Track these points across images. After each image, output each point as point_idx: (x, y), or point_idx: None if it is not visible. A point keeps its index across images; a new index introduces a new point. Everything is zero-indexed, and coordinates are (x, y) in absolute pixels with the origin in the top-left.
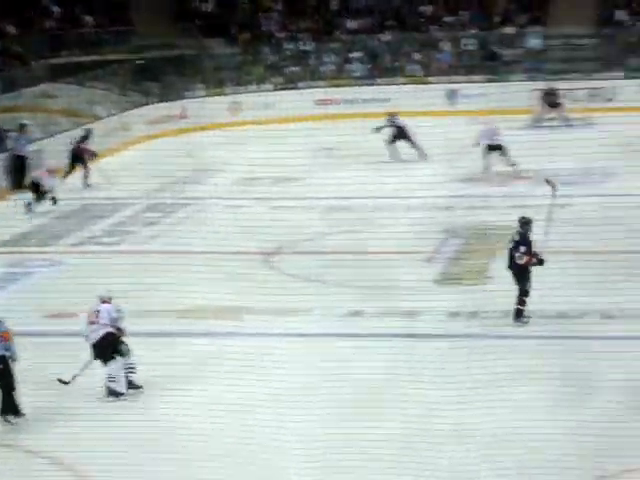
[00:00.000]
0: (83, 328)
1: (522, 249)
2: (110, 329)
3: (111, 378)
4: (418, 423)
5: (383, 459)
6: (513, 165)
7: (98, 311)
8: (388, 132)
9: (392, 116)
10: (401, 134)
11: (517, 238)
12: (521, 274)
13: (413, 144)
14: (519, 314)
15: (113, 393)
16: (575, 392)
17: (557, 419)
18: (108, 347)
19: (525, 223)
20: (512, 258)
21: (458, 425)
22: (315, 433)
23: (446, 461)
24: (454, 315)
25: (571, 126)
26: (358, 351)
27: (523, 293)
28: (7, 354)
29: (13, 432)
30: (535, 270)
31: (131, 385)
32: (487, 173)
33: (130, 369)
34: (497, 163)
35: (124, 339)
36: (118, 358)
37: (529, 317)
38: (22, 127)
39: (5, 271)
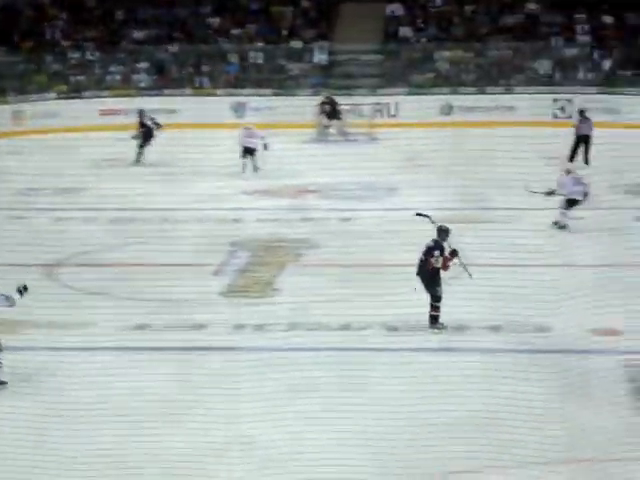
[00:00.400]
0: None
1: (436, 253)
2: None
3: None
4: (202, 436)
5: (166, 472)
6: (258, 169)
7: None
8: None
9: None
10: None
11: (431, 244)
12: (432, 279)
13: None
14: (434, 320)
15: None
16: (355, 402)
17: (341, 429)
18: None
19: (443, 231)
20: (422, 264)
21: (244, 437)
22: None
23: (226, 473)
24: (240, 327)
25: (355, 141)
26: (143, 364)
27: (435, 299)
28: None
29: None
30: (319, 282)
31: None
32: (244, 172)
33: None
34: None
35: None
36: None
37: (444, 325)
38: None
39: None
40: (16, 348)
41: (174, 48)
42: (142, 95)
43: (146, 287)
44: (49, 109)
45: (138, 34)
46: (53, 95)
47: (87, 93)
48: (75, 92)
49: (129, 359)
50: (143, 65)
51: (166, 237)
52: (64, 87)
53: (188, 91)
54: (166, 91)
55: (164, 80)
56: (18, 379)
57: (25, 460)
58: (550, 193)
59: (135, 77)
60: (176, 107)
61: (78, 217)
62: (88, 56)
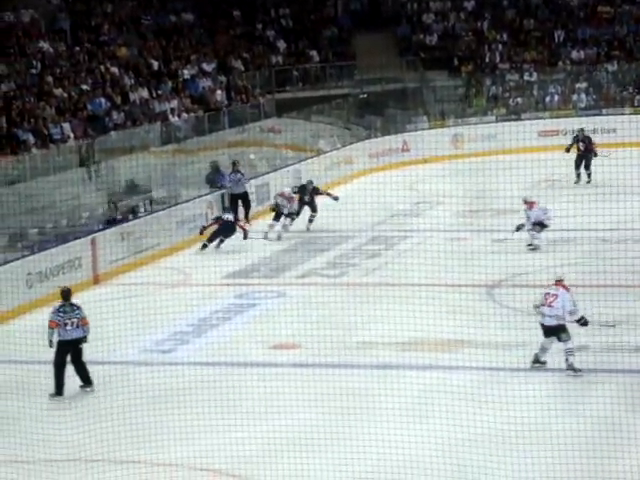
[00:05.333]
0: None
1: None
2: None
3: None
4: None
5: None
6: None
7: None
8: None
9: None
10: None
11: None
12: None
13: None
14: None
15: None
16: None
17: None
18: None
19: None
20: None
21: None
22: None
23: None
24: None
25: None
26: (582, 386)
27: None
28: (87, 335)
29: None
30: None
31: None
32: None
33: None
34: None
35: None
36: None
37: None
38: (234, 165)
39: (232, 302)
40: (459, 367)
41: (613, 67)
42: (581, 115)
43: (585, 309)
44: (488, 132)
45: (577, 54)
46: (492, 118)
47: (526, 114)
48: (514, 114)
49: (569, 380)
50: (582, 85)
51: (604, 258)
52: (503, 110)
53: (627, 110)
54: (605, 110)
55: (603, 99)
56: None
57: None
58: None
59: (574, 97)
60: (616, 126)
61: (517, 238)
62: (527, 77)
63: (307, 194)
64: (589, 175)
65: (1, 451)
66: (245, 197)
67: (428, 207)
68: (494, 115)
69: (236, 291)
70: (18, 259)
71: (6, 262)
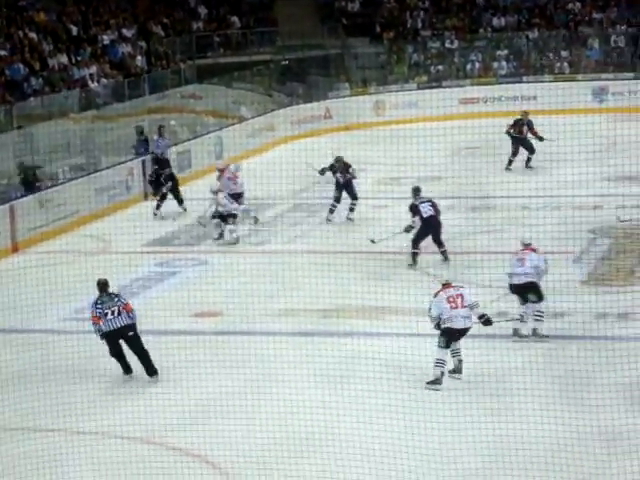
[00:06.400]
0: None
1: None
2: None
3: None
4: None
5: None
6: None
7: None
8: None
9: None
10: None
11: None
12: None
13: None
14: None
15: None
16: None
17: None
18: None
19: None
20: None
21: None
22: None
23: None
24: (601, 316)
25: None
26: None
27: None
28: (134, 322)
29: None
30: None
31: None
32: None
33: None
34: None
35: None
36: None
37: None
38: (160, 129)
39: (153, 270)
40: (378, 334)
41: (534, 34)
42: (501, 82)
43: (503, 275)
44: (409, 99)
45: (498, 21)
46: (414, 85)
47: (447, 82)
48: (435, 81)
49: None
50: (503, 52)
51: (525, 225)
52: (425, 77)
53: (548, 77)
54: (525, 78)
55: (524, 67)
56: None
57: None
58: None
59: (495, 65)
60: (536, 93)
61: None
62: (448, 45)
63: (340, 173)
64: (529, 160)
65: None
66: (168, 163)
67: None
68: (415, 82)
69: (157, 259)
70: None
71: None
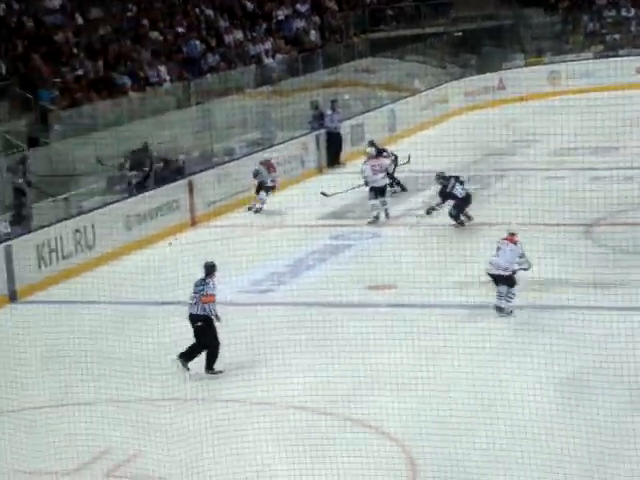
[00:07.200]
0: None
1: None
2: None
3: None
4: None
5: None
6: None
7: None
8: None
9: None
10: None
11: None
12: None
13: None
14: None
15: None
16: None
17: None
18: None
19: None
20: None
21: None
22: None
23: None
24: None
25: None
26: None
27: None
28: (208, 315)
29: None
30: None
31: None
32: None
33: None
34: None
35: None
36: None
37: None
38: (333, 103)
39: (328, 243)
40: (556, 307)
41: None
42: None
43: None
44: (586, 68)
45: None
46: (589, 55)
47: (623, 51)
48: (612, 50)
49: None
50: None
51: None
52: (601, 46)
53: None
54: None
55: None
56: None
57: None
58: None
59: None
60: None
61: (615, 176)
62: (624, 13)
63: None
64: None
65: (102, 390)
66: (340, 137)
67: (525, 145)
68: (591, 52)
69: (332, 232)
70: (118, 201)
71: (105, 204)
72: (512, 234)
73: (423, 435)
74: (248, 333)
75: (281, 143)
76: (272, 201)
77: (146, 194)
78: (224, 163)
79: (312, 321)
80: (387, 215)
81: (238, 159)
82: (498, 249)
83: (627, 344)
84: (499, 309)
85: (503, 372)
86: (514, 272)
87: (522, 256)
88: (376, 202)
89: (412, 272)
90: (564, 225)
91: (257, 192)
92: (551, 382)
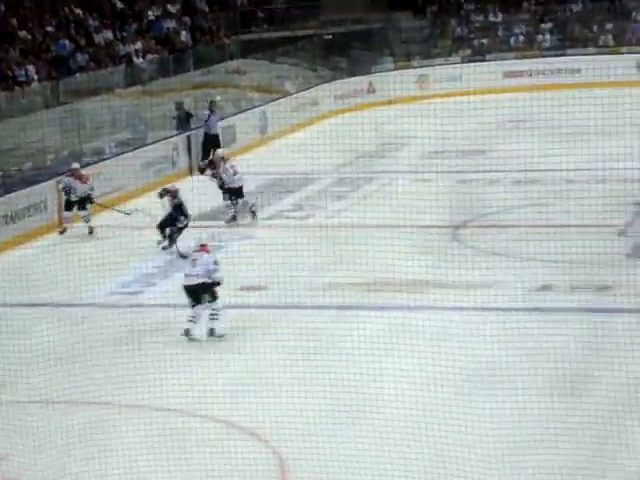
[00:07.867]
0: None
1: None
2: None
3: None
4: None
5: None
6: None
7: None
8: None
9: None
10: None
11: None
12: None
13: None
14: None
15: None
16: None
17: None
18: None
19: None
20: None
21: None
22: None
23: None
24: None
25: None
26: (546, 325)
27: None
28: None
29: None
30: None
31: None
32: None
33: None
34: None
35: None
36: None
37: None
38: (212, 104)
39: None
40: (424, 307)
41: (577, 7)
42: (545, 55)
43: (549, 248)
44: (453, 72)
45: None
46: (457, 59)
47: (491, 55)
48: (479, 55)
49: (534, 319)
50: (546, 25)
51: (569, 198)
52: (468, 51)
53: (591, 50)
54: (569, 51)
55: (568, 40)
56: (426, 337)
57: None
58: None
59: (539, 37)
60: (580, 66)
61: (481, 179)
62: (492, 18)
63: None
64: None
65: None
66: (218, 139)
67: (394, 148)
68: (459, 56)
69: (202, 233)
70: None
71: None
72: (203, 245)
73: (294, 436)
74: (118, 335)
75: (152, 143)
76: (142, 202)
77: (12, 195)
78: (94, 163)
79: (183, 323)
80: (255, 216)
81: (108, 159)
82: (194, 260)
83: (493, 344)
84: (190, 336)
85: (374, 372)
86: (217, 283)
87: (216, 263)
88: (228, 202)
89: (283, 273)
90: (432, 227)
91: (68, 209)
92: (421, 382)
